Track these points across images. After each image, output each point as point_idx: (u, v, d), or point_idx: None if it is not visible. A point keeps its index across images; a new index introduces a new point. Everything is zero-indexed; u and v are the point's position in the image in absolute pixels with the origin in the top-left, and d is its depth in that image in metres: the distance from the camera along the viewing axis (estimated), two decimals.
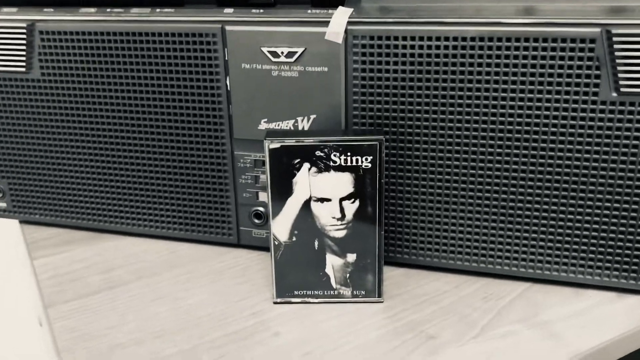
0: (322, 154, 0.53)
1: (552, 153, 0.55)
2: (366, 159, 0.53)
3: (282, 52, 0.58)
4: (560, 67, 0.52)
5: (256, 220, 0.65)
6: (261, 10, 0.59)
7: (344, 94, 0.58)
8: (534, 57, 0.52)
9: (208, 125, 0.63)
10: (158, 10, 0.62)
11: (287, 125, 0.60)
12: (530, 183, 0.56)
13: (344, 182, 0.53)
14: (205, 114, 0.63)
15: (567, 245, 0.57)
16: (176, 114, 0.63)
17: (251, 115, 0.61)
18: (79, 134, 0.67)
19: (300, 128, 0.60)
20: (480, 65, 0.54)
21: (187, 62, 0.61)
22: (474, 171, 0.57)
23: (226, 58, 0.60)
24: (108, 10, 0.63)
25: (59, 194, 0.71)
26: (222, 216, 0.66)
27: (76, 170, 0.69)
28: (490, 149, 0.56)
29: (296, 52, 0.58)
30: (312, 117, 0.59)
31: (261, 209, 0.65)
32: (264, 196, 0.64)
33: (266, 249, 0.64)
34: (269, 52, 0.58)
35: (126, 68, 0.63)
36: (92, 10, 0.64)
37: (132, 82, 0.63)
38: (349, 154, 0.52)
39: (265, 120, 0.61)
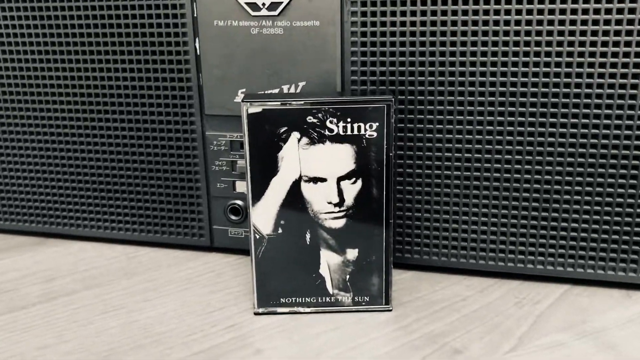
0: (315, 121, 0.41)
1: (598, 122, 0.44)
2: (371, 127, 0.42)
3: (264, 4, 0.47)
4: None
5: (233, 217, 0.54)
6: None
7: (339, 55, 0.47)
8: None
9: (173, 99, 0.52)
10: None
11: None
12: (569, 161, 0.45)
13: (342, 157, 0.42)
14: (170, 86, 0.52)
15: (614, 239, 0.46)
16: (134, 87, 0.52)
17: (226, 85, 0.50)
18: (14, 119, 0.56)
19: None
20: (509, 1, 0.43)
21: (148, 22, 0.50)
22: (500, 147, 0.46)
23: (195, 14, 0.49)
24: None
25: None
26: (191, 213, 0.55)
27: (14, 166, 0.57)
28: (527, 118, 0.45)
29: (280, 2, 0.47)
30: (301, 84, 0.49)
31: (239, 202, 0.53)
32: (242, 186, 0.53)
33: (245, 251, 0.52)
34: (246, 4, 0.48)
35: (75, 33, 0.52)
36: None
37: (81, 50, 0.52)
38: (349, 120, 0.41)
39: (243, 90, 0.50)
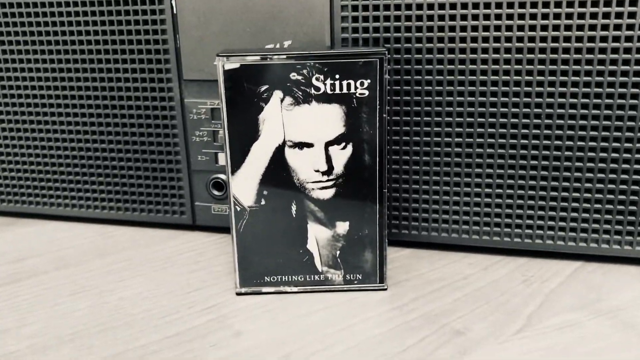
0: (299, 78, 0.37)
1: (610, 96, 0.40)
2: (362, 84, 0.37)
3: None
4: None
5: (216, 192, 0.50)
6: None
7: (328, 10, 0.43)
8: None
9: (149, 63, 0.48)
10: None
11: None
12: (578, 133, 0.41)
13: (331, 119, 0.38)
14: (145, 49, 0.47)
15: (631, 210, 0.42)
16: (107, 51, 0.48)
17: (205, 46, 0.46)
18: None
19: None
20: None
21: None
22: (506, 109, 0.42)
23: None
24: None
25: None
26: (171, 189, 0.51)
27: None
28: (534, 77, 0.41)
29: None
30: (287, 43, 0.44)
31: (222, 176, 0.49)
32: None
33: (229, 229, 0.48)
34: None
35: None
36: None
37: (49, 12, 0.48)
38: (337, 76, 0.37)
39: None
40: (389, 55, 0.42)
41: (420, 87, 0.43)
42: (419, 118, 0.44)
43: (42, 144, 0.52)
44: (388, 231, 0.46)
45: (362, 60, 0.37)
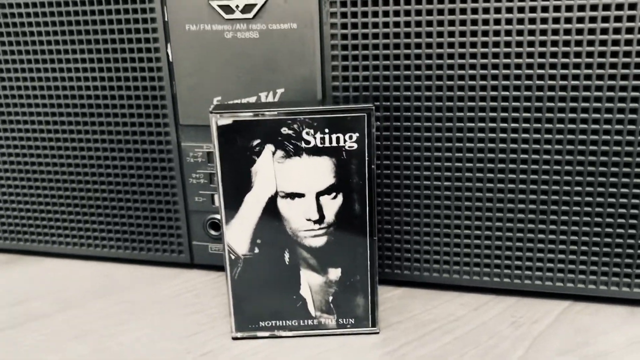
0: (290, 132, 0.38)
1: (602, 136, 0.41)
2: (350, 137, 0.38)
3: (237, 6, 0.44)
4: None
5: (212, 232, 0.51)
6: None
7: (319, 59, 0.44)
8: None
9: (146, 109, 0.49)
10: None
11: None
12: (567, 169, 0.42)
13: (321, 171, 0.39)
14: (142, 95, 0.49)
15: (617, 252, 0.43)
16: (105, 97, 0.49)
17: (201, 93, 0.47)
18: None
19: None
20: (487, 11, 0.40)
21: (117, 28, 0.47)
22: (493, 155, 0.43)
23: (165, 18, 0.46)
24: None
25: None
26: (169, 228, 0.52)
27: None
28: (518, 124, 0.42)
29: (255, 4, 0.44)
30: (279, 91, 0.45)
31: (219, 216, 0.50)
32: None
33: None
34: (219, 6, 0.45)
35: (42, 40, 0.49)
36: None
37: (50, 59, 0.49)
38: (327, 130, 0.38)
39: (219, 98, 0.47)
40: (378, 112, 0.43)
41: (409, 133, 0.44)
42: (409, 162, 0.45)
43: (44, 184, 0.53)
44: (381, 270, 0.47)
45: (350, 115, 0.38)
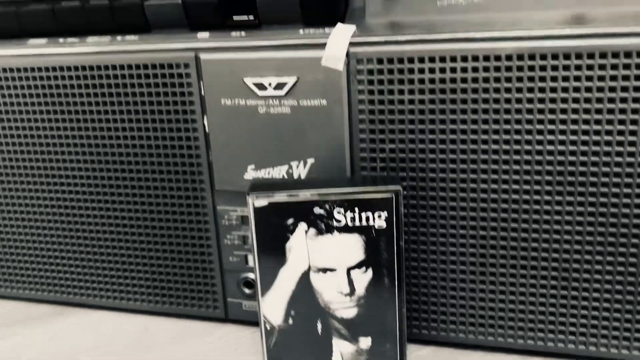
0: (322, 212, 0.41)
1: (623, 199, 0.42)
2: (379, 217, 0.41)
3: (270, 84, 0.47)
4: (625, 89, 0.40)
5: (246, 290, 0.53)
6: (242, 33, 0.48)
7: (347, 133, 0.46)
8: (589, 79, 0.41)
9: (184, 175, 0.52)
10: (119, 38, 0.51)
11: (279, 172, 0.49)
12: (598, 239, 0.44)
13: (351, 247, 0.41)
14: (180, 162, 0.51)
15: None
16: (145, 163, 0.52)
17: (235, 161, 0.50)
18: (35, 190, 0.56)
19: (295, 175, 0.48)
20: (520, 90, 0.42)
21: (156, 100, 0.50)
22: (516, 224, 0.45)
23: (202, 93, 0.49)
24: (61, 40, 0.52)
25: (13, 261, 0.59)
26: (205, 285, 0.54)
27: (34, 233, 0.58)
28: (541, 196, 0.44)
29: (287, 82, 0.46)
30: (310, 161, 0.48)
31: (252, 275, 0.53)
32: None
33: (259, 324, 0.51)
34: (253, 84, 0.47)
35: (84, 110, 0.52)
36: (43, 41, 0.53)
37: (92, 127, 0.52)
38: (356, 210, 0.41)
39: (253, 167, 0.49)
40: (405, 192, 0.45)
41: (435, 202, 0.46)
42: (435, 229, 0.47)
43: (91, 241, 0.56)
44: (408, 331, 0.49)
45: (379, 197, 0.40)
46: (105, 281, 0.57)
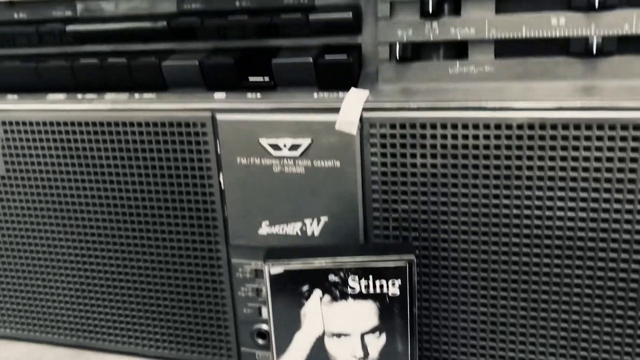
0: (337, 279, 0.42)
1: (632, 265, 0.43)
2: (393, 284, 0.42)
3: (285, 145, 0.48)
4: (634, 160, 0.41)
5: (260, 341, 0.54)
6: (258, 95, 0.49)
7: (361, 194, 0.47)
8: (599, 149, 0.41)
9: (200, 229, 0.53)
10: (137, 96, 0.52)
11: (292, 229, 0.50)
12: (607, 302, 0.44)
13: (365, 313, 0.42)
14: (196, 216, 0.52)
15: None
16: (162, 216, 0.53)
17: (250, 217, 0.51)
18: (53, 238, 0.57)
19: (309, 233, 0.49)
20: (530, 158, 0.43)
21: (173, 157, 0.51)
22: (526, 285, 0.46)
23: (218, 152, 0.50)
24: (79, 96, 0.54)
25: (32, 305, 0.60)
26: (219, 334, 0.55)
27: (52, 279, 0.59)
28: (551, 260, 0.45)
29: (301, 144, 0.47)
30: (323, 219, 0.49)
31: (265, 327, 0.54)
32: None
33: None
34: (269, 144, 0.48)
35: (102, 164, 0.53)
36: (62, 97, 0.54)
37: (110, 180, 0.53)
38: (370, 278, 0.41)
39: (267, 223, 0.50)
40: (418, 260, 0.46)
41: (446, 271, 0.47)
42: (447, 294, 0.47)
43: (108, 289, 0.57)
44: None
45: (393, 266, 0.41)
46: (122, 327, 0.58)
